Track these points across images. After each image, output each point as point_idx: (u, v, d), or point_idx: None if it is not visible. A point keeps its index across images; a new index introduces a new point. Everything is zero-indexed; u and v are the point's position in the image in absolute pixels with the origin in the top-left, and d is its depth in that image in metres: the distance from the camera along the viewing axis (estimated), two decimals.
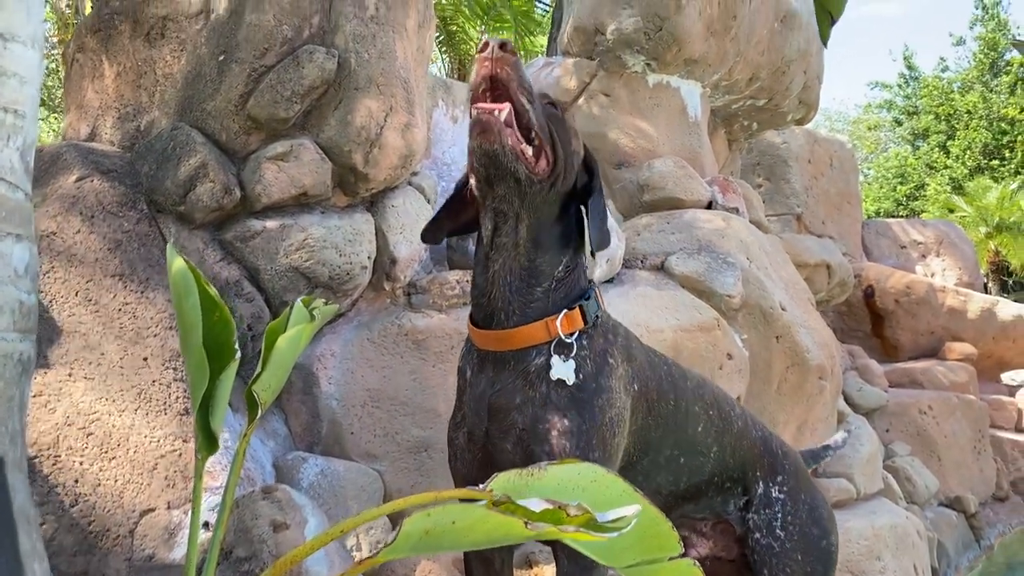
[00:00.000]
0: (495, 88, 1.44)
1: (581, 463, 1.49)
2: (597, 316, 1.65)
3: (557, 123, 1.57)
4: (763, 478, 1.89)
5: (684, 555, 1.39)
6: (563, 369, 1.61)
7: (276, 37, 2.53)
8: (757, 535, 1.86)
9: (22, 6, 1.08)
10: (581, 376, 1.61)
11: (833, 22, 1.45)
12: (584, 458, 1.54)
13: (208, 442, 1.28)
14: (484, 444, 1.60)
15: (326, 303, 1.74)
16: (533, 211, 1.55)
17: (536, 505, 1.14)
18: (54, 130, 13.03)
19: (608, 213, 1.70)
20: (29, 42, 1.10)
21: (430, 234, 1.77)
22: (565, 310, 1.61)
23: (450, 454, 1.72)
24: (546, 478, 1.48)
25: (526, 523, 1.09)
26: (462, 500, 1.34)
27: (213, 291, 1.29)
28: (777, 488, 1.90)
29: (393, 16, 2.68)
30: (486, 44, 1.44)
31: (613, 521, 1.16)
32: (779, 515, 1.87)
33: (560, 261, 1.62)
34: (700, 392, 1.86)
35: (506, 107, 1.43)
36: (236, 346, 1.28)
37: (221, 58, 2.56)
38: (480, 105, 1.43)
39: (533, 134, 1.48)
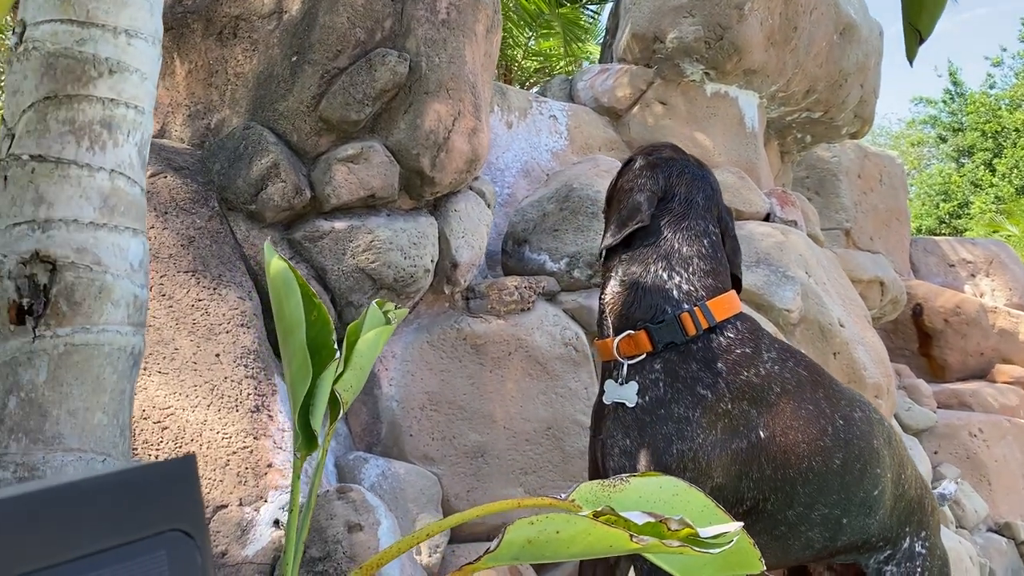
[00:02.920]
0: None
1: (663, 476, 1.48)
2: (677, 342, 1.62)
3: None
4: (911, 534, 1.84)
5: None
6: (617, 392, 1.62)
7: (349, 39, 2.55)
8: None
9: (146, 3, 1.10)
10: (647, 399, 1.60)
11: (921, 40, 1.41)
12: None
13: (308, 441, 1.28)
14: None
15: (396, 306, 1.75)
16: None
17: (638, 518, 1.12)
18: None
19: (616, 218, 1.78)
20: (150, 38, 1.11)
21: None
22: (629, 331, 1.63)
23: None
24: (627, 490, 1.47)
25: (631, 536, 1.08)
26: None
27: (312, 290, 1.30)
28: (921, 543, 1.85)
29: (463, 20, 2.69)
30: None
31: (715, 537, 1.14)
32: (918, 570, 1.82)
33: (612, 275, 1.74)
34: (888, 451, 1.78)
35: None
36: (335, 345, 1.28)
37: (294, 59, 2.58)
38: None
39: None
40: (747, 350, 1.65)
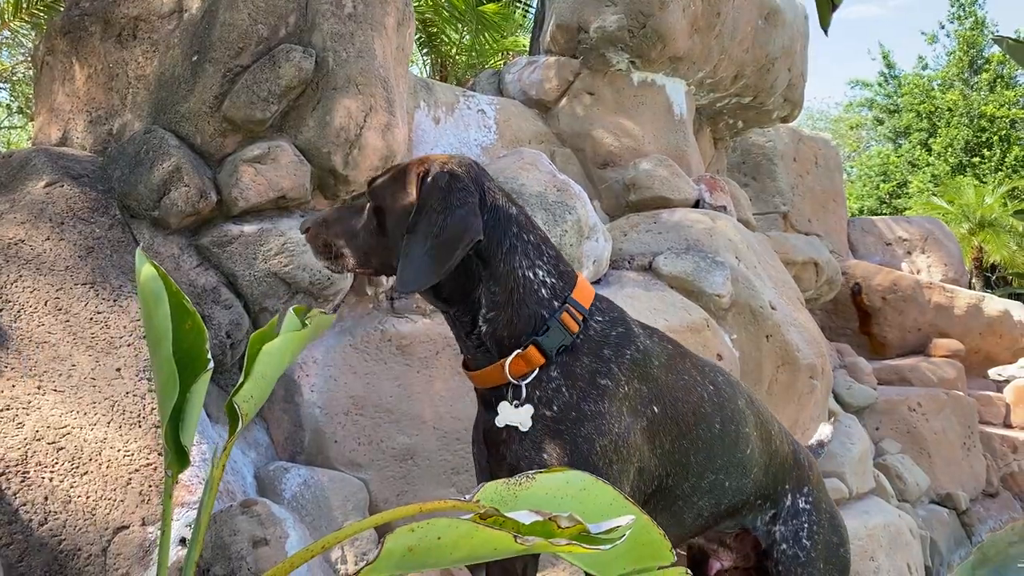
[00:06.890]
0: None
1: (570, 471, 1.44)
2: (567, 345, 1.55)
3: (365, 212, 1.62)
4: (791, 490, 1.86)
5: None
6: (512, 416, 1.55)
7: (251, 36, 2.46)
8: (783, 546, 1.82)
9: None
10: (556, 408, 1.54)
11: (834, 7, 1.39)
12: None
13: (178, 458, 1.21)
14: (489, 471, 1.60)
15: (320, 313, 1.66)
16: None
17: (526, 517, 1.08)
18: (32, 138, 12.87)
19: (430, 247, 1.49)
20: None
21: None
22: (517, 351, 1.54)
23: (476, 471, 1.73)
24: (534, 487, 1.42)
25: (515, 537, 1.04)
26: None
27: (185, 298, 1.23)
28: (804, 499, 1.87)
29: (371, 14, 2.62)
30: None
31: (606, 532, 1.10)
32: (805, 526, 1.84)
33: (478, 303, 1.55)
34: (752, 410, 1.80)
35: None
36: (209, 356, 1.21)
37: (195, 58, 2.49)
38: None
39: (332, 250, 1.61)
40: (620, 330, 1.61)
